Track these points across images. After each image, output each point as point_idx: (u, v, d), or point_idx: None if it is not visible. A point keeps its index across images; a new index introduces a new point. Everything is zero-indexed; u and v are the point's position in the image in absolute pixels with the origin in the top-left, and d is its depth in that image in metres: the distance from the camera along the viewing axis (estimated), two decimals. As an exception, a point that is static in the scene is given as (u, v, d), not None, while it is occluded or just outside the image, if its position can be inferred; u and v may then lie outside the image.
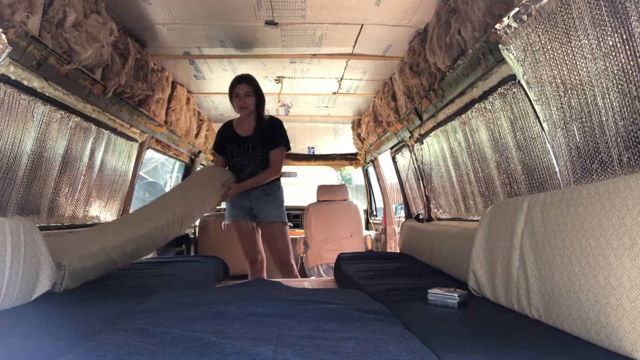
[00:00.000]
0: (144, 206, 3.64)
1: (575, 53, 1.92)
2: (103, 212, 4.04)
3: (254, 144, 3.86)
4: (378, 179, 6.43)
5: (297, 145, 7.00)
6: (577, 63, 1.92)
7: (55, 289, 2.50)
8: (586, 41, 1.84)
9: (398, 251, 5.19)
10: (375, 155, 6.19)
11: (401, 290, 2.66)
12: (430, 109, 3.68)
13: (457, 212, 3.93)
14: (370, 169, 6.84)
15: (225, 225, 4.16)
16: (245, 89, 3.82)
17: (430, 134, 4.00)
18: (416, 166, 4.57)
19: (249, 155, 3.88)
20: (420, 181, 4.55)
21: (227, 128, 4.04)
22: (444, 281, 2.95)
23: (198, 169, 5.02)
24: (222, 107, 5.85)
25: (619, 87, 1.76)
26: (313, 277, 5.96)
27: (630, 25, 1.64)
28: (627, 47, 1.69)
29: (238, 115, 4.06)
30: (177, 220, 3.39)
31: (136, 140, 4.28)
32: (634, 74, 1.69)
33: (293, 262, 4.25)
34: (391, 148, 5.34)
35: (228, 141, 3.95)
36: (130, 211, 4.54)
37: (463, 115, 3.30)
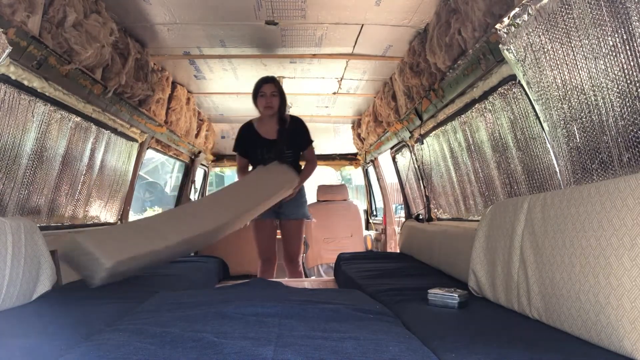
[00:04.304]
0: (211, 196, 3.38)
1: (575, 53, 1.92)
2: (103, 212, 4.04)
3: (283, 146, 3.90)
4: (378, 179, 6.43)
5: (297, 145, 6.99)
6: (578, 63, 1.92)
7: (89, 282, 2.41)
8: (586, 41, 1.84)
9: (398, 251, 5.19)
10: (375, 155, 6.19)
11: (401, 290, 2.66)
12: (430, 109, 3.68)
13: (457, 212, 3.93)
14: (370, 169, 6.84)
15: (246, 225, 4.18)
16: (272, 89, 3.85)
17: (431, 134, 4.00)
18: (416, 166, 4.57)
19: (280, 158, 3.91)
20: (420, 181, 4.55)
21: (250, 130, 4.02)
22: (444, 281, 2.95)
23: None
24: (222, 107, 5.85)
25: (619, 87, 1.76)
26: (313, 277, 5.96)
27: (631, 25, 1.64)
28: (627, 47, 1.69)
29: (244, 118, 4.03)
30: (236, 220, 3.32)
31: (136, 140, 4.28)
32: (634, 74, 1.69)
33: (300, 260, 4.31)
34: (391, 148, 5.34)
35: (255, 144, 3.95)
36: (130, 211, 4.55)
37: (463, 115, 3.30)
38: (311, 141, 4.06)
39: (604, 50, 1.77)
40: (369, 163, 6.67)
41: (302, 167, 4.09)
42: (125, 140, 4.10)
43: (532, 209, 2.05)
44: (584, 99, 1.95)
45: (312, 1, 3.12)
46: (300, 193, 4.09)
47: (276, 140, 3.89)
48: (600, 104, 1.87)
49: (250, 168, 4.09)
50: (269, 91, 3.84)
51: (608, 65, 1.77)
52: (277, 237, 4.25)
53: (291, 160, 3.96)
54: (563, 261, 1.75)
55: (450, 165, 3.80)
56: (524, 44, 2.18)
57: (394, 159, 5.44)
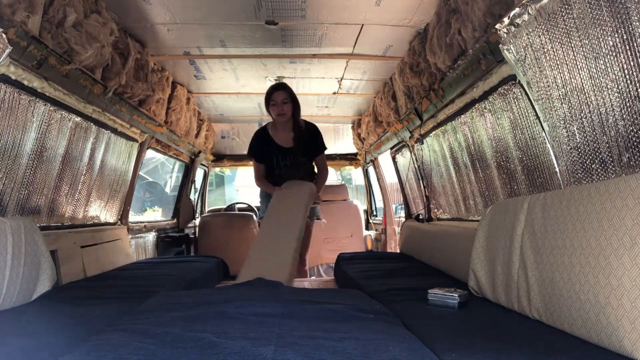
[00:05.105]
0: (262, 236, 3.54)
1: (575, 53, 1.92)
2: (103, 212, 4.04)
3: (298, 153, 3.90)
4: (378, 179, 6.43)
5: (297, 145, 7.00)
6: (578, 63, 1.92)
7: None
8: (586, 41, 1.84)
9: (398, 251, 5.19)
10: (375, 155, 6.19)
11: (401, 290, 2.66)
12: (430, 109, 3.68)
13: (457, 212, 3.93)
14: (370, 169, 6.84)
15: (259, 223, 4.21)
16: (283, 96, 3.78)
17: (431, 134, 3.99)
18: (416, 166, 4.57)
19: (296, 165, 3.94)
20: (420, 181, 4.55)
21: (264, 137, 3.97)
22: (444, 281, 2.95)
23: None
24: (222, 107, 5.85)
25: (619, 87, 1.76)
26: (313, 277, 5.96)
27: (631, 25, 1.64)
28: (627, 47, 1.69)
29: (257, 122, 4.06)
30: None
31: (136, 140, 4.28)
32: (634, 74, 1.69)
33: (307, 259, 4.33)
34: (391, 148, 5.34)
35: (270, 152, 3.93)
36: (130, 211, 4.55)
37: (463, 115, 3.30)
38: (324, 148, 4.05)
39: (604, 50, 1.77)
40: (369, 163, 6.67)
41: (316, 175, 4.08)
42: (125, 140, 4.10)
43: (532, 209, 2.05)
44: (584, 99, 1.95)
45: (312, 1, 3.12)
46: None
47: (292, 148, 3.88)
48: (600, 104, 1.87)
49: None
50: (279, 99, 3.78)
51: (608, 65, 1.77)
52: None
53: (305, 167, 3.97)
54: (563, 261, 1.75)
55: (450, 165, 3.80)
56: (524, 44, 2.18)
57: (394, 159, 5.44)
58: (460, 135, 3.45)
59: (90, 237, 3.62)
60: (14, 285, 2.22)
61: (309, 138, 3.94)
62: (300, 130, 3.90)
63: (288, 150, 3.89)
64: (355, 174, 9.55)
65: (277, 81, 4.76)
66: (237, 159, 7.09)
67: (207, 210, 7.43)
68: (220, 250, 5.33)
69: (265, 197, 4.10)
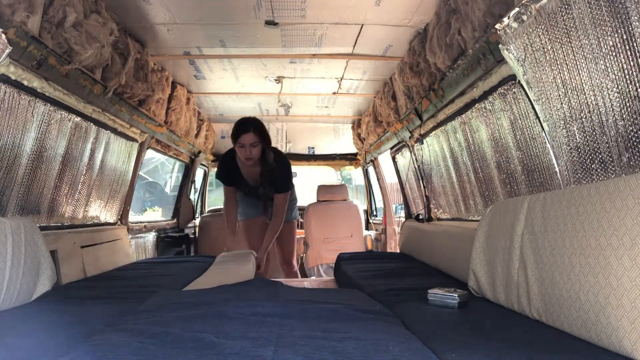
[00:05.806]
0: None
1: (575, 53, 1.92)
2: (103, 212, 4.04)
3: (266, 186, 3.78)
4: (378, 179, 6.43)
5: (297, 146, 7.00)
6: (578, 63, 1.92)
7: None
8: (586, 41, 1.84)
9: (398, 251, 5.19)
10: (375, 155, 6.19)
11: (401, 290, 2.66)
12: (430, 109, 3.68)
13: (457, 212, 3.93)
14: (370, 169, 6.85)
15: (239, 224, 4.18)
16: (251, 140, 3.43)
17: (430, 134, 3.99)
18: (416, 166, 4.57)
19: (264, 194, 3.90)
20: (420, 181, 4.55)
21: (232, 166, 3.75)
22: (444, 281, 2.95)
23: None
24: (222, 107, 5.85)
25: (619, 87, 1.76)
26: (313, 277, 5.96)
27: (630, 25, 1.64)
28: (627, 47, 1.69)
29: None
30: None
31: (136, 140, 4.28)
32: (634, 74, 1.69)
33: (294, 261, 4.30)
34: (391, 148, 5.33)
35: (238, 182, 3.85)
36: (130, 211, 4.54)
37: (463, 115, 3.30)
38: (287, 189, 3.82)
39: (604, 50, 1.77)
40: (369, 163, 6.67)
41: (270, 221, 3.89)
42: (125, 140, 4.10)
43: (532, 209, 2.05)
44: (584, 99, 1.95)
45: (312, 1, 3.12)
46: (291, 196, 4.05)
47: (259, 185, 3.78)
48: (600, 104, 1.87)
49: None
50: (248, 142, 3.43)
51: (608, 65, 1.77)
52: None
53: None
54: (563, 261, 1.75)
55: (450, 165, 3.80)
56: (524, 44, 2.18)
57: (394, 159, 5.44)
58: (460, 135, 3.45)
59: (90, 237, 3.62)
60: (14, 285, 2.22)
61: (278, 174, 3.71)
62: (266, 166, 3.62)
63: (255, 185, 3.82)
64: (355, 174, 9.55)
65: (277, 81, 4.77)
66: None
67: (207, 210, 7.42)
68: (220, 250, 5.30)
69: (243, 198, 4.08)
